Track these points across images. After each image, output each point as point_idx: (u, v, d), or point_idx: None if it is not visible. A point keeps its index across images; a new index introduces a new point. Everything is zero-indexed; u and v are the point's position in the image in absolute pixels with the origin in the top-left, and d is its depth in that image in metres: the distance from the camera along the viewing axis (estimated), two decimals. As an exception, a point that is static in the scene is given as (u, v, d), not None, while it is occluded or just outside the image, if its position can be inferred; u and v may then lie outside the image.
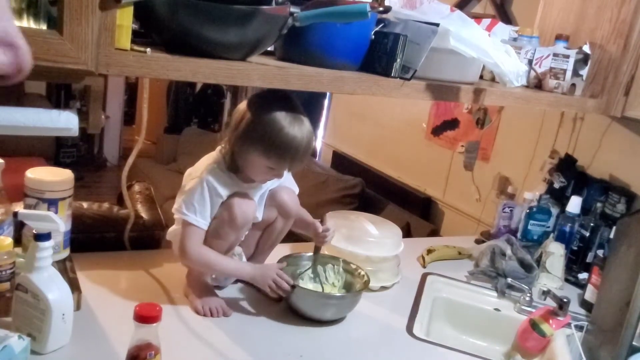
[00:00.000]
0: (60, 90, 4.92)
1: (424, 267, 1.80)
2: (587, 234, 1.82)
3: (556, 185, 2.01)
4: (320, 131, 3.94)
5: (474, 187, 2.57)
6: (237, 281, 1.47)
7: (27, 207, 1.23)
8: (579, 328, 1.52)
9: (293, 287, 1.34)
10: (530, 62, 1.70)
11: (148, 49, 1.02)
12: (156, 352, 0.96)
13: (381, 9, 1.22)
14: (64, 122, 1.06)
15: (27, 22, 0.95)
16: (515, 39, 1.76)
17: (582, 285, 1.75)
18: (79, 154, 5.18)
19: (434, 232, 2.77)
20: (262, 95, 1.31)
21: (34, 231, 1.06)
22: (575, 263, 1.85)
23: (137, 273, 1.46)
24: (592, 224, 1.82)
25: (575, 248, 1.85)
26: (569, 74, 1.66)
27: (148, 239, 1.68)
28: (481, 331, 1.66)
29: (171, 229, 1.41)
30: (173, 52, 1.06)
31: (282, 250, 1.56)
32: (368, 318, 1.45)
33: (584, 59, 1.67)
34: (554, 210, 1.95)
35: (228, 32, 1.06)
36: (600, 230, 1.81)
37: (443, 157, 2.86)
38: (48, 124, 1.05)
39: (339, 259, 1.52)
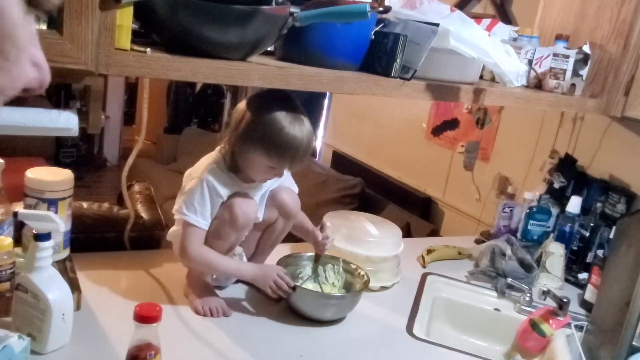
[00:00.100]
0: (60, 90, 4.91)
1: (424, 267, 1.80)
2: (587, 234, 1.82)
3: (556, 185, 2.01)
4: (320, 131, 3.94)
5: (474, 187, 2.57)
6: (237, 281, 1.47)
7: (27, 207, 1.23)
8: (579, 328, 1.52)
9: (294, 288, 1.34)
10: (530, 62, 1.69)
11: (148, 49, 1.02)
12: (156, 352, 0.96)
13: (381, 9, 1.22)
14: (64, 122, 1.06)
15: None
16: (515, 39, 1.76)
17: (582, 285, 1.75)
18: (79, 154, 5.17)
19: (434, 232, 2.77)
20: (261, 94, 1.31)
21: (34, 231, 1.06)
22: (575, 263, 1.85)
23: (137, 273, 1.46)
24: (592, 224, 1.82)
25: (575, 248, 1.85)
26: (569, 74, 1.66)
27: (148, 239, 1.68)
28: (481, 331, 1.66)
29: (171, 229, 1.41)
30: (173, 52, 1.06)
31: (282, 250, 1.56)
32: (368, 318, 1.45)
33: (584, 59, 1.67)
34: (554, 210, 1.95)
35: (228, 32, 1.06)
36: (600, 230, 1.81)
37: (443, 157, 2.86)
38: (48, 124, 1.05)
39: (339, 259, 1.52)
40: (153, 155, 4.93)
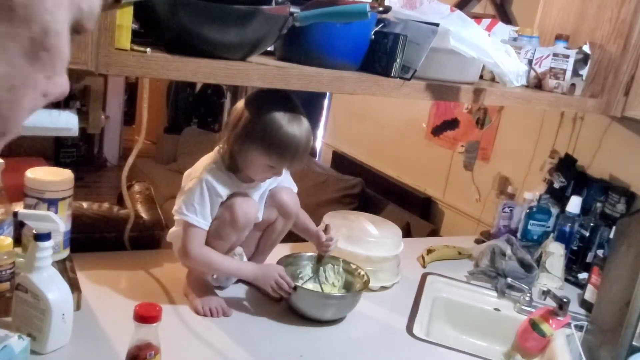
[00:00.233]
0: (60, 90, 4.91)
1: (424, 267, 1.80)
2: (587, 234, 1.82)
3: (556, 185, 2.01)
4: (320, 131, 3.94)
5: (474, 187, 2.57)
6: (238, 281, 1.47)
7: (27, 207, 1.23)
8: (579, 328, 1.52)
9: (294, 288, 1.34)
10: (530, 62, 1.69)
11: (148, 49, 1.02)
12: (156, 352, 0.96)
13: (381, 9, 1.22)
14: (64, 122, 1.06)
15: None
16: (515, 39, 1.76)
17: (582, 285, 1.75)
18: (79, 154, 5.17)
19: (434, 232, 2.77)
20: (259, 93, 1.30)
21: (34, 231, 1.06)
22: (575, 263, 1.85)
23: (137, 273, 1.46)
24: (592, 224, 1.82)
25: (575, 248, 1.85)
26: (568, 74, 1.66)
27: (148, 239, 1.67)
28: (481, 331, 1.66)
29: (171, 230, 1.41)
30: (173, 52, 1.06)
31: (282, 250, 1.56)
32: (368, 318, 1.45)
33: (584, 59, 1.67)
34: (554, 210, 1.95)
35: (228, 32, 1.06)
36: (600, 230, 1.81)
37: (443, 157, 2.86)
38: (48, 124, 1.05)
39: (338, 259, 1.52)
40: (153, 155, 4.93)
